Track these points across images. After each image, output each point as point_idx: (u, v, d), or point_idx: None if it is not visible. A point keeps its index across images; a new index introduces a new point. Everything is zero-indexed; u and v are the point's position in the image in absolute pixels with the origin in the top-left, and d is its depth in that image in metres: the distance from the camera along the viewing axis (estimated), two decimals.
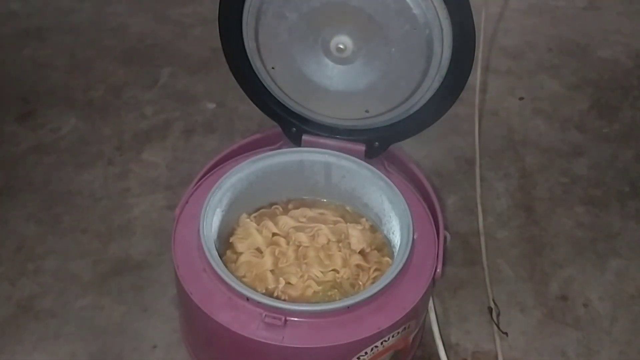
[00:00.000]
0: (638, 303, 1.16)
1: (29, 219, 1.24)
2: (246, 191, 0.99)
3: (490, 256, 1.20)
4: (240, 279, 0.91)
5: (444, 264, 0.91)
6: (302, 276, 0.93)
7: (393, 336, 0.85)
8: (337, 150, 1.01)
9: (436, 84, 0.93)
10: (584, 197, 1.36)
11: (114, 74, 1.61)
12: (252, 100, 1.03)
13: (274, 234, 0.99)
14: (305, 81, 0.97)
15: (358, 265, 0.95)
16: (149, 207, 1.27)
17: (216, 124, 1.48)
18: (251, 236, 0.97)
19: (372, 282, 0.92)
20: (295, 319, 0.81)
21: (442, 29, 0.87)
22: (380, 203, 0.99)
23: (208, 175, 1.01)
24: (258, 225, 0.99)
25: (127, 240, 1.21)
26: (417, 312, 0.89)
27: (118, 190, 1.31)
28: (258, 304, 0.81)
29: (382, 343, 0.85)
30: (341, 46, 0.92)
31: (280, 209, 1.04)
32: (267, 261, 0.94)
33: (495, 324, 1.09)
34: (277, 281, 0.92)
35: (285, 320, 0.81)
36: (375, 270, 0.95)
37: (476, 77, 1.30)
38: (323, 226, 0.99)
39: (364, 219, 1.03)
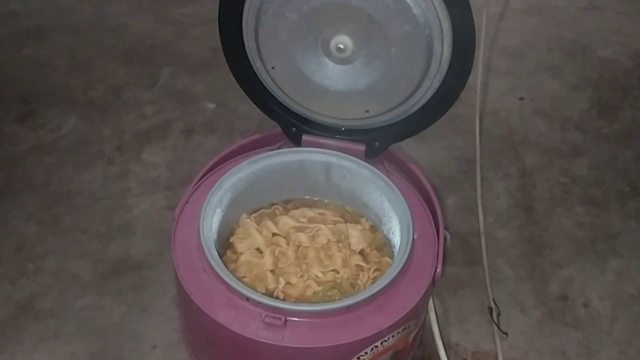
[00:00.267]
0: (638, 303, 1.16)
1: (29, 219, 1.24)
2: (246, 191, 0.99)
3: (490, 256, 1.20)
4: (240, 279, 0.91)
5: (444, 264, 0.91)
6: (302, 276, 0.93)
7: (393, 336, 0.85)
8: (337, 150, 1.01)
9: (436, 84, 0.93)
10: (584, 197, 1.36)
11: (114, 74, 1.61)
12: (252, 100, 1.03)
13: (274, 234, 0.99)
14: (305, 81, 0.97)
15: (358, 266, 0.95)
16: (149, 207, 1.27)
17: (216, 124, 1.48)
18: (251, 236, 0.97)
19: (372, 282, 0.92)
20: (295, 319, 0.81)
21: (442, 29, 0.87)
22: (380, 203, 0.99)
23: (208, 175, 1.01)
24: (258, 225, 0.99)
25: (127, 240, 1.21)
26: (417, 312, 0.89)
27: (118, 190, 1.31)
28: (258, 304, 0.81)
29: (382, 343, 0.85)
30: (341, 46, 0.92)
31: (280, 209, 1.04)
32: (267, 261, 0.94)
33: (496, 324, 1.09)
34: (277, 281, 0.92)
35: (285, 320, 0.81)
36: (375, 270, 0.95)
37: (477, 77, 1.30)
38: (323, 226, 0.99)
39: (364, 219, 1.03)
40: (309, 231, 0.99)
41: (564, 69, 1.71)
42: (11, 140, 1.41)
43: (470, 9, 0.84)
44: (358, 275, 0.95)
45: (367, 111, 0.99)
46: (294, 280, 0.92)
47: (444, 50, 0.89)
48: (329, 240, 0.98)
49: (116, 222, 1.24)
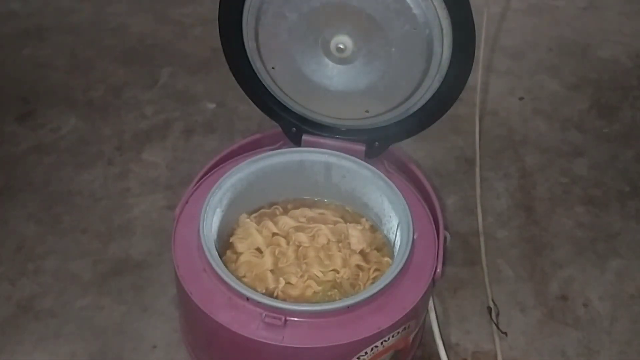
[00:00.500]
0: (638, 303, 1.16)
1: (29, 219, 1.24)
2: (246, 191, 0.99)
3: (490, 256, 1.20)
4: (240, 279, 0.91)
5: (444, 264, 0.91)
6: (302, 276, 0.93)
7: (393, 336, 0.85)
8: (337, 150, 1.01)
9: (436, 84, 0.93)
10: (584, 197, 1.36)
11: (114, 74, 1.61)
12: (252, 100, 1.03)
13: (274, 234, 0.99)
14: (305, 81, 0.97)
15: (358, 266, 0.95)
16: (149, 207, 1.27)
17: (216, 124, 1.48)
18: (251, 236, 0.97)
19: (372, 282, 0.92)
20: (295, 319, 0.81)
21: (442, 29, 0.87)
22: (380, 203, 0.99)
23: (208, 175, 1.01)
24: (258, 225, 0.99)
25: (127, 240, 1.21)
26: (417, 312, 0.89)
27: (118, 190, 1.31)
28: (258, 304, 0.81)
29: (382, 343, 0.85)
30: (341, 46, 0.92)
31: (280, 209, 1.04)
32: (267, 261, 0.94)
33: (495, 324, 1.09)
34: (277, 281, 0.92)
35: (285, 320, 0.81)
36: (375, 270, 0.95)
37: (477, 77, 1.30)
38: (323, 226, 0.99)
39: (364, 219, 1.03)
40: (309, 231, 0.99)
41: (564, 69, 1.71)
42: (11, 140, 1.41)
43: (470, 9, 0.84)
44: (358, 275, 0.95)
45: (367, 111, 0.99)
46: (294, 280, 0.92)
47: (444, 50, 0.89)
48: (329, 240, 0.98)
49: (116, 222, 1.24)
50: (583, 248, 1.25)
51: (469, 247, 1.23)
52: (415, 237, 0.91)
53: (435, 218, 0.96)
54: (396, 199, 0.96)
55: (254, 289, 0.87)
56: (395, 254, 0.93)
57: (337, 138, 1.02)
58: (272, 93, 1.02)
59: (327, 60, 0.95)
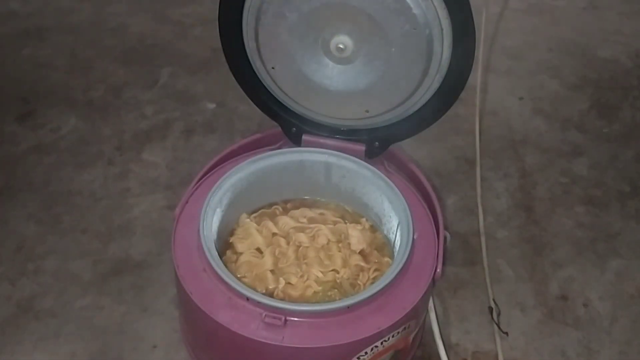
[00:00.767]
0: (638, 303, 1.16)
1: (29, 219, 1.24)
2: (246, 191, 0.99)
3: (490, 256, 1.20)
4: (240, 279, 0.91)
5: (444, 264, 0.91)
6: (302, 276, 0.93)
7: (393, 336, 0.85)
8: (337, 150, 1.01)
9: (436, 84, 0.93)
10: (584, 197, 1.36)
11: (114, 74, 1.61)
12: (252, 100, 1.03)
13: (274, 234, 0.99)
14: (305, 81, 0.97)
15: (358, 266, 0.95)
16: (149, 207, 1.27)
17: (216, 124, 1.48)
18: (251, 236, 0.97)
19: (372, 282, 0.92)
20: (295, 319, 0.81)
21: (442, 29, 0.87)
22: (380, 203, 0.99)
23: (208, 175, 1.01)
24: (258, 225, 0.99)
25: (127, 240, 1.21)
26: (417, 312, 0.89)
27: (118, 190, 1.31)
28: (258, 303, 0.81)
29: (382, 343, 0.85)
30: (341, 46, 0.92)
31: (280, 209, 1.04)
32: (267, 261, 0.94)
33: (496, 324, 1.09)
34: (277, 281, 0.92)
35: (285, 320, 0.81)
36: (375, 270, 0.95)
37: (477, 77, 1.31)
38: (323, 226, 0.99)
39: (364, 219, 1.03)
40: (309, 231, 0.99)
41: (564, 69, 1.71)
42: (11, 140, 1.41)
43: (470, 9, 0.84)
44: (358, 275, 0.95)
45: (367, 111, 0.98)
46: (294, 280, 0.92)
47: (444, 50, 0.89)
48: (329, 241, 0.98)
49: (116, 222, 1.24)
50: (583, 248, 1.25)
51: (469, 247, 1.23)
52: (415, 237, 0.91)
53: (435, 218, 0.96)
54: (396, 199, 0.96)
55: (254, 289, 0.87)
56: (395, 254, 0.93)
57: (337, 138, 1.02)
58: (272, 93, 1.02)
59: (327, 60, 0.95)
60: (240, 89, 1.02)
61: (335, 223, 1.01)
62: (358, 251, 0.97)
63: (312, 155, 1.02)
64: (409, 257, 0.88)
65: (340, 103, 0.99)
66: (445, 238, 0.95)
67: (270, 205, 1.04)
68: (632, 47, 1.80)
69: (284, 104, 1.02)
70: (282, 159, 1.02)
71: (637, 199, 1.36)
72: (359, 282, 0.94)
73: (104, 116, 1.49)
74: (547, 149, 1.47)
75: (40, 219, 1.24)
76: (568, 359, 1.07)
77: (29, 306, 1.10)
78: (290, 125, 1.03)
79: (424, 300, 0.90)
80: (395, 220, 0.95)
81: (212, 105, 1.53)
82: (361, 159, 1.01)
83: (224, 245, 0.98)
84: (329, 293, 0.92)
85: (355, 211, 1.05)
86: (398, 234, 0.94)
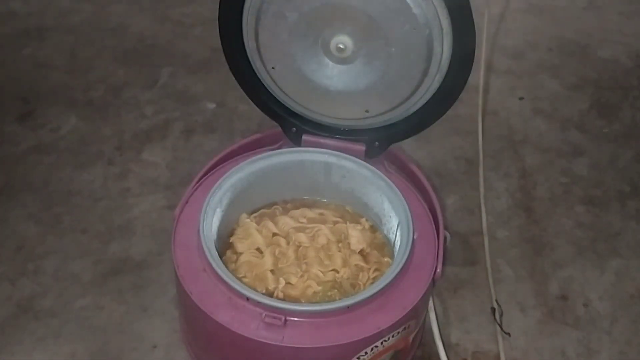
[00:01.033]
0: (638, 303, 1.16)
1: (29, 219, 1.24)
2: (246, 191, 0.99)
3: (491, 256, 1.20)
4: (240, 279, 0.91)
5: (444, 264, 0.91)
6: (302, 276, 0.93)
7: (393, 336, 0.85)
8: (337, 150, 1.01)
9: (436, 84, 0.93)
10: (584, 197, 1.36)
11: (114, 74, 1.61)
12: (252, 100, 1.03)
13: (274, 234, 0.99)
14: (305, 81, 0.97)
15: (358, 266, 0.95)
16: (149, 207, 1.27)
17: (216, 124, 1.48)
18: (251, 236, 0.97)
19: (372, 282, 0.92)
20: (295, 319, 0.81)
21: (442, 29, 0.87)
22: (380, 203, 0.99)
23: (208, 175, 1.01)
24: (258, 225, 0.99)
25: (127, 240, 1.21)
26: (417, 312, 0.89)
27: (118, 190, 1.31)
28: (258, 303, 0.81)
29: (382, 343, 0.85)
30: (341, 46, 0.92)
31: (280, 209, 1.04)
32: (267, 261, 0.94)
33: (499, 325, 1.09)
34: (277, 281, 0.92)
35: (285, 320, 0.81)
36: (375, 270, 0.95)
37: (479, 77, 1.31)
38: (323, 226, 0.99)
39: (364, 219, 1.03)
40: (309, 231, 0.99)
41: (564, 69, 1.71)
42: (11, 140, 1.41)
43: (470, 9, 0.84)
44: (358, 275, 0.95)
45: (367, 111, 0.98)
46: (294, 280, 0.92)
47: (444, 50, 0.89)
48: (329, 240, 0.98)
49: (116, 222, 1.24)
50: (583, 248, 1.25)
51: (469, 247, 1.23)
52: (415, 237, 0.91)
53: (435, 218, 0.96)
54: (396, 199, 0.96)
55: (254, 289, 0.87)
56: (395, 254, 0.93)
57: (337, 138, 1.02)
58: (272, 93, 1.02)
59: (327, 60, 0.95)
60: (240, 89, 1.02)
61: (335, 223, 1.01)
62: (358, 251, 0.97)
63: (312, 155, 1.02)
64: (409, 257, 0.88)
65: (340, 103, 0.99)
66: (445, 238, 0.95)
67: (270, 205, 1.04)
68: (632, 47, 1.80)
69: (284, 104, 1.02)
70: (282, 159, 1.02)
71: (637, 199, 1.36)
72: (359, 282, 0.94)
73: (104, 116, 1.49)
74: (547, 149, 1.47)
75: (40, 219, 1.24)
76: (568, 359, 1.07)
77: (28, 306, 1.10)
78: (290, 125, 1.03)
79: (424, 300, 0.90)
80: (395, 220, 0.95)
81: (212, 105, 1.53)
82: (361, 159, 1.01)
83: (224, 245, 0.98)
84: (329, 293, 0.92)
85: (355, 211, 1.05)
86: (398, 234, 0.94)
